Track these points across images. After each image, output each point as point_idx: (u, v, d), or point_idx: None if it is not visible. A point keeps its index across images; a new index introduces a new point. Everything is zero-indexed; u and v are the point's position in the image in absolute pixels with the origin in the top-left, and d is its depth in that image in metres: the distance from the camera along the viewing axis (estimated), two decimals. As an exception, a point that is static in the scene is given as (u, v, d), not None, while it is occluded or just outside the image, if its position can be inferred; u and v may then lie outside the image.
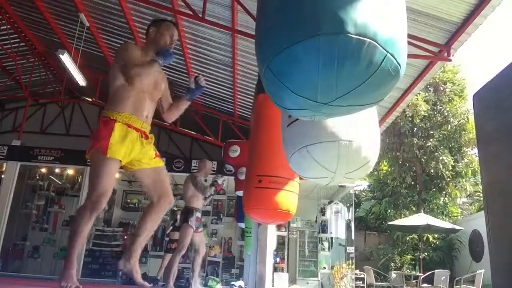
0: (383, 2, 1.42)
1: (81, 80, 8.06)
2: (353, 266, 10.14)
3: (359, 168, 2.38)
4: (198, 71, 8.05)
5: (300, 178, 3.30)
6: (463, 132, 12.75)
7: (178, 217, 7.72)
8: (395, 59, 1.41)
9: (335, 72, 1.38)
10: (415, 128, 12.86)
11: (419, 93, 11.46)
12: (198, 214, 5.36)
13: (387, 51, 1.37)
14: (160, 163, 2.62)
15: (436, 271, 9.92)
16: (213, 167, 8.97)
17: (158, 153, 2.63)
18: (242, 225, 7.15)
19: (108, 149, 2.33)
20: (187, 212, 5.28)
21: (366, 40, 1.33)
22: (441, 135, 12.75)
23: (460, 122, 12.74)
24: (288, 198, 3.36)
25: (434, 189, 13.27)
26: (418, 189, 13.62)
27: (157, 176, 2.60)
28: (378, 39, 1.35)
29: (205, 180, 5.63)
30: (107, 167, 2.37)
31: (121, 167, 2.52)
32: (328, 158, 2.29)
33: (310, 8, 1.38)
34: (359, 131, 2.32)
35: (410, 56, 4.96)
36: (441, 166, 12.38)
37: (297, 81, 1.45)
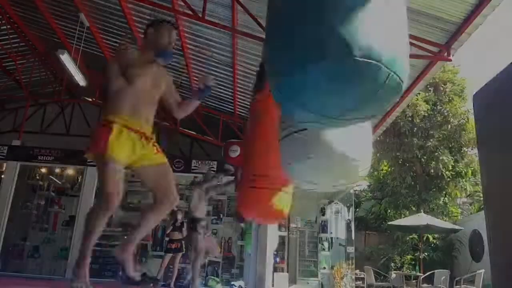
0: (387, 25, 1.51)
1: (81, 80, 8.06)
2: (353, 266, 10.14)
3: (350, 184, 2.55)
4: (198, 71, 8.05)
5: None
6: (463, 132, 12.74)
7: (179, 217, 7.74)
8: (398, 76, 1.50)
9: (342, 91, 1.50)
10: (415, 128, 12.85)
11: (419, 93, 11.46)
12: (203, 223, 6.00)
13: (390, 70, 1.47)
14: (163, 159, 2.58)
15: (436, 271, 9.92)
16: (213, 167, 8.98)
17: (159, 150, 2.59)
18: None
19: (108, 151, 2.33)
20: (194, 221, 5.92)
21: (371, 62, 1.42)
22: (441, 135, 12.75)
23: (460, 122, 12.73)
24: (282, 197, 3.38)
25: (434, 189, 13.26)
26: (418, 189, 13.61)
27: (160, 174, 2.56)
28: (382, 60, 1.44)
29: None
30: (110, 168, 2.36)
31: (125, 168, 2.51)
32: (308, 173, 2.45)
33: (319, 33, 1.47)
34: (364, 152, 2.44)
35: (410, 56, 4.95)
36: (441, 166, 12.38)
37: (306, 99, 1.57)
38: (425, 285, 9.78)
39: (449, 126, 12.66)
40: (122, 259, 2.52)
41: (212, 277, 8.62)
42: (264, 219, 3.84)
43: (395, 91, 1.55)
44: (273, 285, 7.91)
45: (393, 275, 10.33)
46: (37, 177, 9.88)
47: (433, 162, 12.50)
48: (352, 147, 2.36)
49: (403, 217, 12.34)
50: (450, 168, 12.60)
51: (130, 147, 2.42)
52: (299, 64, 1.50)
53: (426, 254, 11.86)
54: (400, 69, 1.51)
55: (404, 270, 11.76)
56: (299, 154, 2.44)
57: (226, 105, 9.35)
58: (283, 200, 3.40)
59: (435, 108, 12.94)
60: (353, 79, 1.45)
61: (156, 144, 2.60)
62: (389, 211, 14.08)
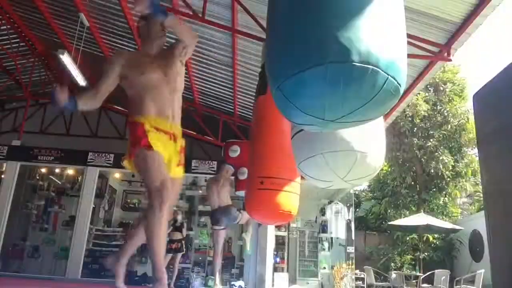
0: (385, 30, 1.54)
1: (81, 80, 8.06)
2: (353, 266, 10.14)
3: (365, 176, 2.54)
4: (198, 71, 8.06)
5: (302, 178, 3.31)
6: (463, 132, 12.76)
7: (179, 217, 7.74)
8: (396, 81, 1.53)
9: (341, 95, 1.52)
10: (415, 128, 12.87)
11: (419, 93, 11.47)
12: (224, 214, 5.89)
13: (388, 75, 1.50)
14: (181, 173, 2.53)
15: (436, 271, 9.92)
16: (213, 167, 8.98)
17: (183, 161, 2.53)
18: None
19: (151, 144, 2.27)
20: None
21: (369, 67, 1.46)
22: (441, 135, 12.76)
23: (460, 122, 12.75)
24: (289, 199, 3.39)
25: (434, 189, 13.27)
26: (418, 189, 13.62)
27: (174, 189, 2.47)
28: (380, 65, 1.47)
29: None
30: (156, 159, 2.28)
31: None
32: (342, 166, 2.41)
33: (318, 37, 1.51)
34: (372, 143, 2.43)
35: (410, 56, 4.96)
36: (441, 166, 12.39)
37: (305, 102, 1.60)
38: (425, 285, 9.77)
39: (449, 126, 12.67)
40: (113, 269, 2.43)
41: (212, 277, 8.60)
42: (272, 221, 3.85)
43: (393, 95, 1.57)
44: (273, 285, 7.92)
45: (393, 275, 10.32)
46: (37, 177, 9.87)
47: (433, 162, 12.50)
48: (364, 141, 2.36)
49: (403, 217, 12.34)
50: (450, 168, 12.60)
51: (162, 147, 2.34)
52: (298, 67, 1.52)
53: (426, 254, 11.87)
54: (398, 73, 1.54)
55: (404, 270, 11.76)
56: (311, 151, 2.42)
57: (226, 105, 9.34)
58: (291, 201, 3.41)
59: (435, 108, 12.95)
60: (351, 84, 1.48)
61: (183, 152, 2.51)
62: (389, 211, 14.09)
